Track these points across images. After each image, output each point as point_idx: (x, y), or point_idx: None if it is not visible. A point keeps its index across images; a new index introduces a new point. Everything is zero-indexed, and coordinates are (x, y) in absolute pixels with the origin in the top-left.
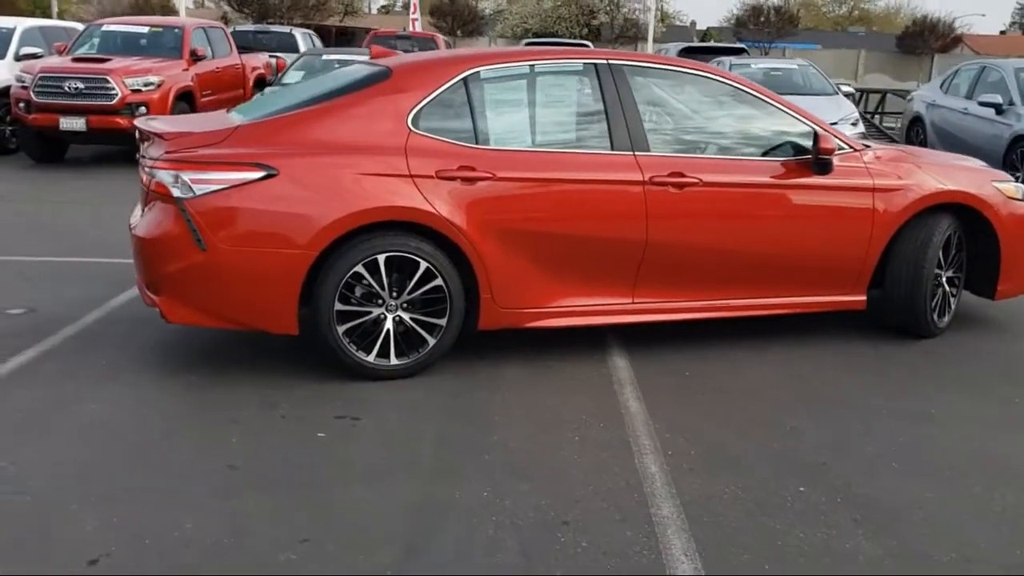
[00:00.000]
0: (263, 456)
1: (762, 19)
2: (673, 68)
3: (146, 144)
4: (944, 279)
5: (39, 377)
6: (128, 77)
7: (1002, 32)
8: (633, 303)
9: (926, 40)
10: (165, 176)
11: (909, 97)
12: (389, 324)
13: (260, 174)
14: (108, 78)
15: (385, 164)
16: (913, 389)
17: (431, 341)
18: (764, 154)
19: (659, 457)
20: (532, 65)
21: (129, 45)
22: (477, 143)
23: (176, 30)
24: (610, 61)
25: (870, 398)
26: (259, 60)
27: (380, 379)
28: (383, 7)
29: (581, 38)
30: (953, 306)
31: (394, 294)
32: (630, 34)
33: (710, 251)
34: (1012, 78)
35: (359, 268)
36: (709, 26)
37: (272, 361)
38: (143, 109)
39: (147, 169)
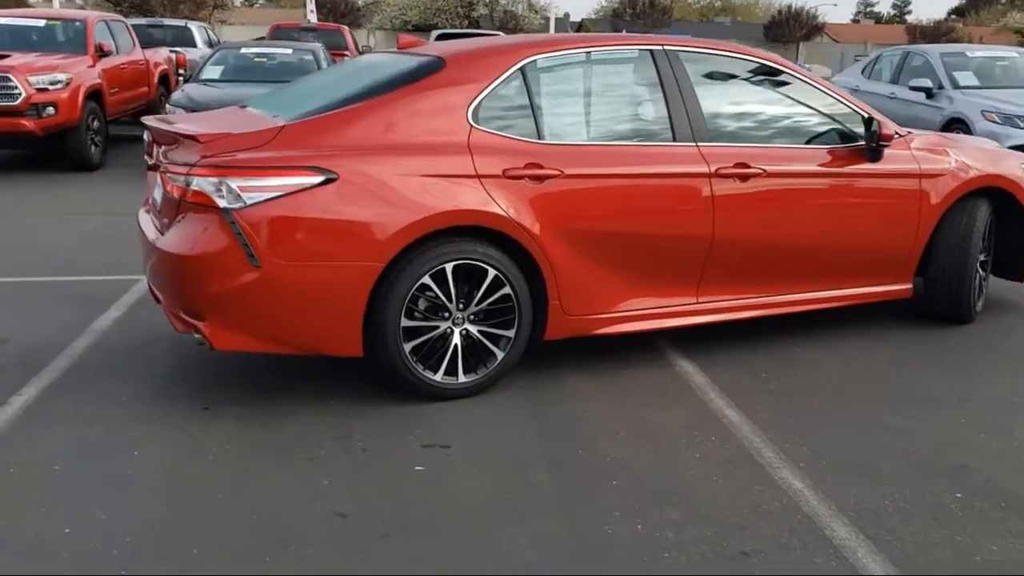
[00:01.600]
0: (368, 498)
1: (637, 10)
2: (726, 54)
3: (163, 148)
4: (978, 263)
5: (57, 420)
6: (32, 75)
7: (855, 20)
8: (697, 303)
9: (791, 29)
10: (206, 184)
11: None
12: (456, 339)
13: (318, 179)
14: (10, 76)
15: (450, 164)
16: (989, 376)
17: (499, 355)
18: (809, 141)
19: (793, 470)
20: (588, 52)
21: (22, 40)
22: (540, 138)
23: (77, 23)
24: (666, 47)
25: (952, 389)
26: (160, 55)
27: (446, 399)
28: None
29: (460, 32)
30: (984, 290)
31: (460, 306)
32: (509, 26)
33: (773, 244)
34: (939, 63)
35: (426, 279)
36: (583, 18)
37: (316, 385)
38: (51, 110)
39: (176, 176)
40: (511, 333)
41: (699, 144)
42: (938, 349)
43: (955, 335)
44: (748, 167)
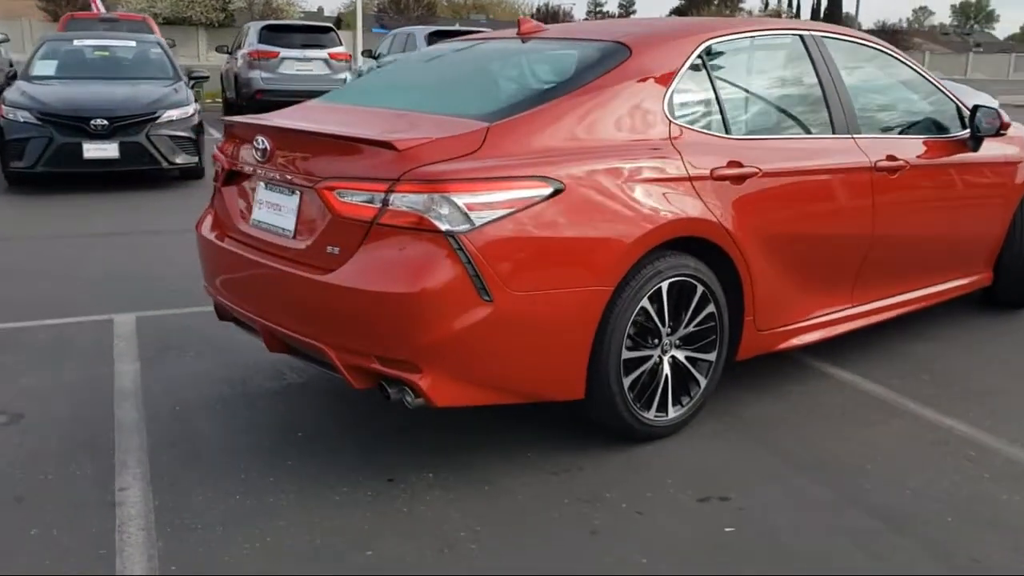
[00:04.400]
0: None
1: (402, 6)
2: (859, 42)
3: (297, 157)
4: None
5: (213, 519)
6: None
7: (600, 17)
8: (853, 307)
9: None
10: (416, 202)
11: None
12: (666, 368)
13: (547, 190)
14: None
15: (662, 166)
16: None
17: (702, 382)
18: (916, 131)
19: None
20: (752, 37)
21: None
22: (727, 132)
23: None
24: (813, 33)
25: None
26: None
27: (655, 439)
28: None
29: (217, 23)
30: None
31: (668, 329)
32: (270, 19)
33: (911, 240)
34: None
35: (645, 302)
36: (340, 12)
37: (483, 436)
38: None
39: (358, 192)
40: (712, 356)
41: (853, 136)
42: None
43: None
44: (896, 159)
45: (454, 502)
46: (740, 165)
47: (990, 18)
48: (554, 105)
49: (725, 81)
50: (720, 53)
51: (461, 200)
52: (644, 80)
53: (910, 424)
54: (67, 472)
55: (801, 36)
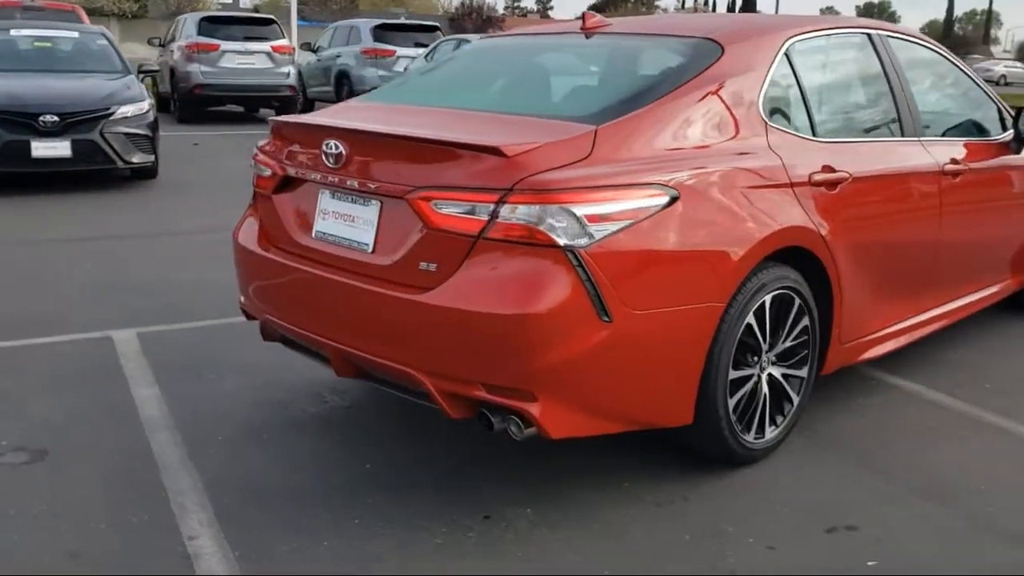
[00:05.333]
0: None
1: None
2: (916, 41)
3: (380, 162)
4: None
5: (330, 565)
6: None
7: (523, 15)
8: (917, 316)
9: (474, 21)
10: (530, 213)
11: None
12: (764, 387)
13: (663, 199)
14: None
15: (766, 171)
16: None
17: (795, 400)
18: (949, 133)
19: None
20: (828, 35)
21: None
22: (815, 134)
23: None
24: (880, 32)
25: None
26: None
27: (751, 462)
28: None
29: (131, 14)
30: None
31: (767, 346)
32: (187, 10)
33: (969, 244)
34: None
35: (750, 317)
36: (256, 3)
37: (559, 462)
38: None
39: (463, 204)
40: (804, 372)
41: (920, 139)
42: None
43: None
44: (958, 163)
45: (567, 542)
46: (832, 170)
47: (891, 19)
48: (659, 105)
49: (808, 81)
50: (802, 52)
51: (581, 211)
52: (738, 79)
53: (999, 438)
54: (121, 519)
55: (869, 35)
